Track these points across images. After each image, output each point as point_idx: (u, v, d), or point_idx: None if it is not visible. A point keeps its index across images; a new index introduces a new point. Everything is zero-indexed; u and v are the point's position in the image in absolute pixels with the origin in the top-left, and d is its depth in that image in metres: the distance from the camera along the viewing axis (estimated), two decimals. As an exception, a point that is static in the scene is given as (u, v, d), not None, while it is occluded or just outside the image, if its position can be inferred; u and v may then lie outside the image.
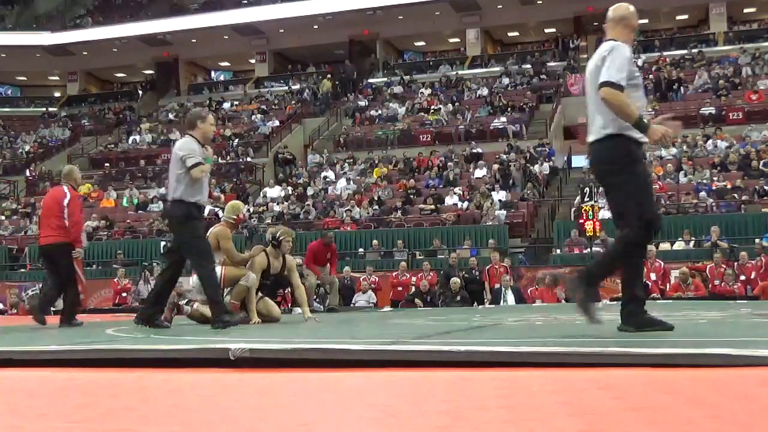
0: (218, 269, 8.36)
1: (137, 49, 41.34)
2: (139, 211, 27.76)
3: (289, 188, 27.53)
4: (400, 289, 18.44)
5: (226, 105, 37.87)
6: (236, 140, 32.67)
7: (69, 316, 9.63)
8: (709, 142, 25.20)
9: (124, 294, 20.08)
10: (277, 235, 9.35)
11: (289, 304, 14.79)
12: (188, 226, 7.48)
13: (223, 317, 7.43)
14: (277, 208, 25.78)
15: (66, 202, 9.58)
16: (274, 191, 27.39)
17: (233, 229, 9.62)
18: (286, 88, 38.65)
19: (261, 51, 41.88)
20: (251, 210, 26.07)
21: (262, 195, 27.62)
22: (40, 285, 19.24)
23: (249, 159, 31.16)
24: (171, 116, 37.71)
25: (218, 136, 33.66)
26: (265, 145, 32.48)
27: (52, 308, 11.01)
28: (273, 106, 36.53)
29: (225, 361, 4.09)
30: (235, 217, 9.53)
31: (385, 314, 12.81)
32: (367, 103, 34.67)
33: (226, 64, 45.45)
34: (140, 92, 44.38)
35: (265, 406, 2.88)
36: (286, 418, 2.60)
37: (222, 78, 45.31)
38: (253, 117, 35.18)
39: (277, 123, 34.08)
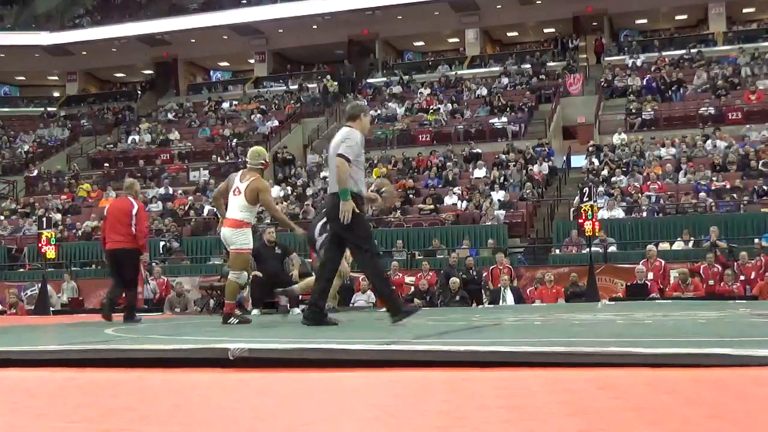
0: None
1: (136, 49, 41.32)
2: (138, 211, 27.75)
3: (289, 188, 27.53)
4: (394, 288, 18.41)
5: (225, 105, 37.85)
6: (235, 140, 32.66)
7: (131, 314, 10.76)
8: (709, 142, 25.22)
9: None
10: (381, 190, 8.99)
11: (288, 305, 14.77)
12: (354, 219, 7.41)
13: (399, 309, 7.49)
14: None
15: (134, 211, 10.66)
16: (274, 191, 27.30)
17: (262, 175, 9.27)
18: (285, 88, 38.64)
19: (260, 51, 41.88)
20: (250, 210, 26.04)
21: (261, 195, 27.60)
22: (39, 284, 19.25)
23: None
24: (170, 116, 37.70)
25: (217, 135, 33.71)
26: (264, 145, 32.40)
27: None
28: (272, 106, 36.53)
29: (224, 361, 4.10)
30: (263, 161, 9.29)
31: (384, 314, 12.81)
32: (366, 103, 34.64)
33: (225, 64, 45.45)
34: (139, 92, 44.33)
35: (265, 406, 2.88)
36: (286, 418, 2.60)
37: (221, 78, 45.30)
38: (252, 117, 35.16)
39: (276, 123, 34.07)
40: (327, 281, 7.81)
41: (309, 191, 26.81)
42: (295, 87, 38.21)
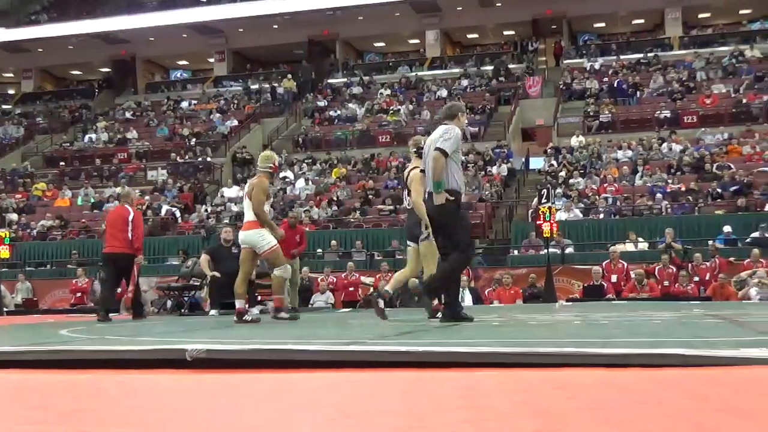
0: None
1: (93, 46, 40.84)
2: (95, 211, 27.42)
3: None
4: (351, 289, 18.42)
5: (184, 104, 37.54)
6: (194, 140, 32.42)
7: (139, 310, 12.08)
8: (664, 145, 25.55)
9: (78, 294, 19.79)
10: (421, 143, 8.77)
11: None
12: (458, 214, 7.56)
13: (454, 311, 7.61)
14: (235, 208, 25.61)
15: (131, 218, 11.63)
16: (232, 191, 27.21)
17: (270, 179, 9.60)
18: (245, 87, 38.43)
19: (220, 50, 41.63)
20: (209, 210, 25.90)
21: (219, 195, 27.44)
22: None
23: (208, 158, 30.94)
24: (128, 115, 37.32)
25: (176, 135, 33.43)
26: (224, 145, 32.26)
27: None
28: (231, 106, 36.32)
29: (182, 362, 4.07)
30: (272, 165, 9.54)
31: (343, 315, 12.81)
32: (326, 104, 34.63)
33: (185, 62, 45.10)
34: (96, 90, 43.79)
35: (222, 407, 2.87)
36: (243, 419, 2.59)
37: (180, 77, 44.94)
38: (212, 116, 34.93)
39: (235, 123, 33.88)
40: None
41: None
42: (255, 87, 38.03)
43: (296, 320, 9.28)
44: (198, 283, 15.82)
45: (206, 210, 25.99)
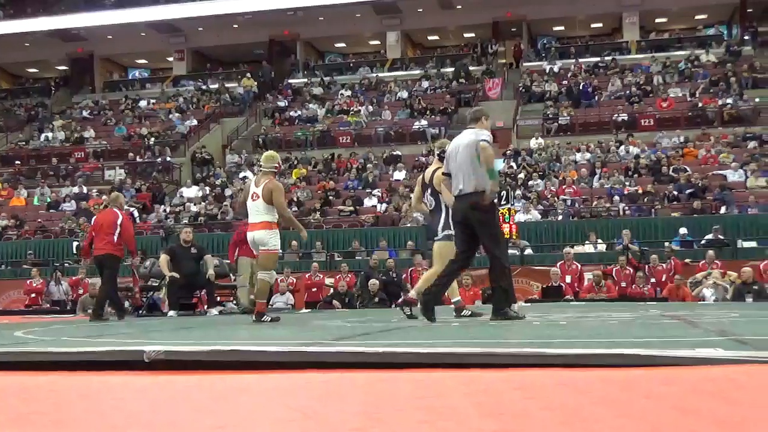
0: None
1: (50, 44, 40.29)
2: (51, 210, 27.09)
3: (207, 188, 27.21)
4: (314, 290, 18.38)
5: (143, 103, 37.20)
6: (153, 139, 32.13)
7: (99, 312, 12.04)
8: (622, 147, 25.85)
9: (33, 295, 19.49)
10: (446, 146, 8.72)
11: (205, 306, 14.61)
12: (494, 214, 7.87)
13: (505, 308, 7.74)
14: (194, 208, 25.46)
15: (119, 222, 12.00)
16: (191, 191, 27.04)
17: (275, 178, 9.56)
18: (205, 87, 38.16)
19: (179, 49, 41.31)
20: (167, 210, 25.69)
21: (178, 195, 27.24)
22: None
23: (167, 158, 30.68)
24: (85, 114, 36.90)
25: (134, 134, 33.10)
26: (183, 145, 32.03)
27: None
28: (191, 106, 36.05)
29: (139, 364, 4.03)
30: (276, 165, 9.60)
31: (302, 316, 12.78)
32: (286, 104, 34.52)
33: (144, 61, 44.68)
34: (53, 89, 43.24)
35: (181, 409, 2.85)
36: (202, 421, 2.58)
37: (139, 76, 44.49)
38: (171, 116, 34.65)
39: (194, 122, 33.65)
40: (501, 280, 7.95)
41: (228, 191, 26.54)
42: (215, 86, 37.79)
43: (278, 321, 9.28)
44: (156, 284, 15.69)
45: (165, 210, 25.78)
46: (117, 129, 34.24)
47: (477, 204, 7.61)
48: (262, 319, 9.12)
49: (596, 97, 30.32)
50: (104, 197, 27.08)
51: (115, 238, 11.93)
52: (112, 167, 30.33)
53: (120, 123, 34.91)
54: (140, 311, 14.99)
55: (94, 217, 13.54)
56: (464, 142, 7.81)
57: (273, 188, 9.17)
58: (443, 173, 8.27)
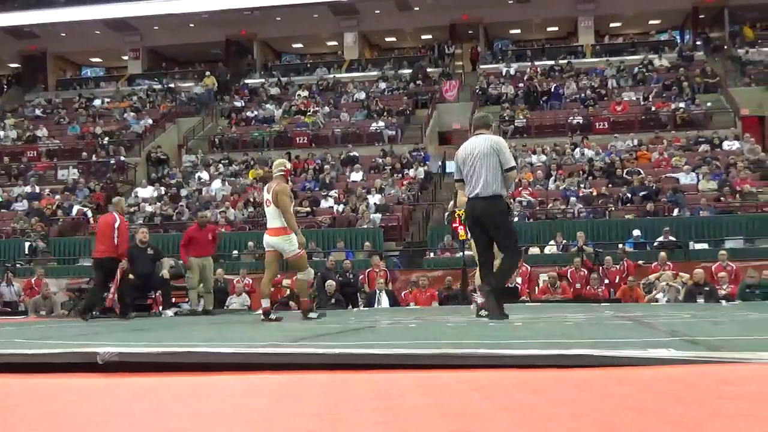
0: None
1: (2, 41, 39.64)
2: (2, 210, 26.63)
3: (162, 188, 26.96)
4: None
5: (97, 102, 36.74)
6: (107, 138, 31.75)
7: (86, 310, 12.56)
8: (577, 150, 26.11)
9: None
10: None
11: (160, 307, 14.48)
12: (509, 218, 8.38)
13: (502, 311, 8.02)
14: (149, 208, 25.20)
15: (117, 225, 12.45)
16: (147, 191, 26.77)
17: (285, 182, 9.92)
18: (161, 86, 37.80)
19: (134, 48, 40.89)
20: (122, 210, 25.38)
21: (133, 195, 26.95)
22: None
23: (121, 158, 30.33)
24: (38, 112, 36.35)
25: (88, 133, 32.68)
26: (138, 144, 31.71)
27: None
28: (146, 105, 35.70)
29: (93, 366, 3.98)
30: (284, 169, 9.97)
31: (259, 317, 12.71)
32: (243, 104, 34.34)
33: (98, 59, 44.13)
34: (5, 86, 42.51)
35: (136, 411, 2.82)
36: (157, 423, 2.56)
37: (93, 74, 43.93)
38: (126, 115, 34.27)
39: (150, 122, 33.32)
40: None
41: (183, 192, 26.32)
42: (171, 85, 37.45)
43: (324, 317, 9.58)
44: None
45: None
46: (70, 128, 33.78)
47: (496, 207, 8.04)
48: (309, 316, 9.57)
49: (564, 98, 30.60)
50: (57, 197, 26.75)
51: (115, 240, 12.44)
52: (65, 167, 29.91)
53: (73, 122, 34.44)
54: (94, 312, 14.78)
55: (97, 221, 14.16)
56: (481, 147, 8.12)
57: (278, 191, 9.55)
58: (456, 180, 8.68)
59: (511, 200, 8.36)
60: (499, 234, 8.12)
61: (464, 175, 8.25)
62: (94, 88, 39.63)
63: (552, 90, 30.92)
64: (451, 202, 19.71)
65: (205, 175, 27.74)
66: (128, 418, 2.67)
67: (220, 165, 28.52)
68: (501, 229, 8.12)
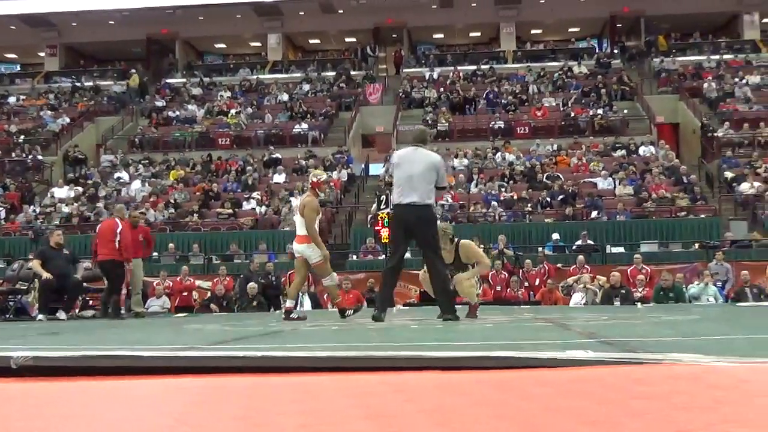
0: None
1: None
2: None
3: (80, 189, 26.37)
4: (185, 294, 18.08)
5: (12, 99, 35.76)
6: (22, 137, 30.92)
7: (117, 312, 13.31)
8: (498, 154, 26.44)
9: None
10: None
11: (77, 310, 14.18)
12: (436, 226, 8.79)
13: (454, 312, 8.54)
14: (66, 209, 24.62)
15: (119, 230, 13.17)
16: (63, 191, 26.15)
17: (315, 196, 10.22)
18: (79, 84, 36.97)
19: (51, 44, 39.93)
20: (37, 211, 24.78)
21: (49, 195, 26.31)
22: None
23: (38, 157, 29.57)
24: (-52, 109, 35.23)
25: (2, 131, 31.79)
26: (54, 143, 30.96)
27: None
28: (63, 103, 34.88)
29: (6, 370, 3.87)
30: (314, 180, 10.33)
31: (178, 320, 12.56)
32: (164, 104, 33.84)
33: (13, 56, 42.98)
34: None
35: (51, 417, 2.75)
36: (73, 429, 2.50)
37: (7, 70, 42.72)
38: (42, 113, 33.42)
39: (67, 120, 32.56)
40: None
41: (102, 192, 25.80)
42: (89, 84, 36.67)
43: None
44: (25, 287, 15.10)
45: (34, 210, 24.84)
46: (-17, 126, 32.82)
47: (428, 216, 8.55)
48: (346, 315, 10.07)
49: (474, 104, 30.93)
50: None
51: (116, 244, 13.07)
52: (-22, 165, 29.06)
53: (-14, 119, 33.46)
54: (8, 315, 14.40)
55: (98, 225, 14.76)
56: (424, 165, 8.46)
57: (305, 203, 10.00)
58: (389, 175, 9.26)
59: (434, 204, 8.60)
60: (428, 241, 8.57)
61: (397, 179, 8.60)
62: (8, 85, 38.57)
63: (485, 95, 31.24)
64: (374, 205, 19.79)
65: (124, 176, 27.25)
66: (42, 424, 2.60)
67: (140, 165, 28.06)
68: (429, 237, 8.57)
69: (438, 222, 9.68)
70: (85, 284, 14.57)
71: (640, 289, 16.30)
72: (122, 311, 13.81)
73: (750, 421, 2.13)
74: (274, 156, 27.69)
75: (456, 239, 9.72)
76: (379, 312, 8.37)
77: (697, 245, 20.02)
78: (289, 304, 10.34)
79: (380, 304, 8.67)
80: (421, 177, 8.41)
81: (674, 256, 19.47)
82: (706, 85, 30.64)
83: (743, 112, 28.01)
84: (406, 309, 14.71)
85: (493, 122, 29.11)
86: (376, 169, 28.38)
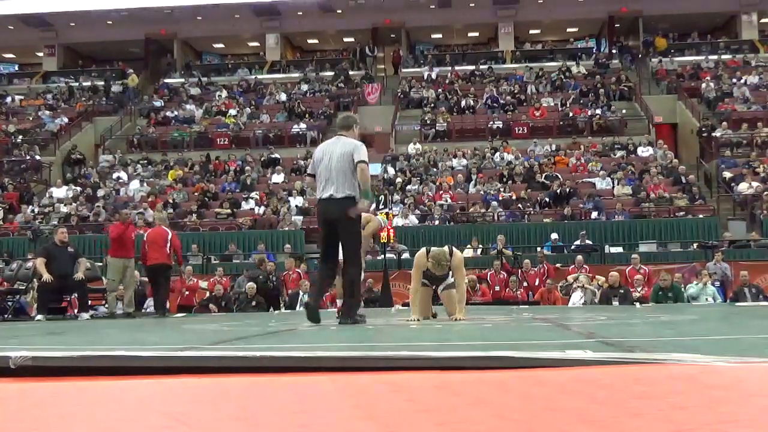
0: None
1: None
2: None
3: (78, 189, 26.36)
4: (187, 293, 18.08)
5: (10, 99, 35.72)
6: (21, 137, 30.90)
7: (163, 310, 14.54)
8: (497, 154, 26.44)
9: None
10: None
11: (75, 310, 14.17)
12: (358, 221, 8.20)
13: (356, 314, 8.03)
14: (64, 209, 24.61)
15: (169, 237, 14.54)
16: (62, 191, 26.14)
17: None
18: (77, 84, 36.94)
19: (50, 44, 39.89)
20: (36, 211, 24.76)
21: (48, 195, 26.29)
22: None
23: (36, 157, 29.54)
24: (-55, 108, 35.20)
25: (1, 131, 31.77)
26: (53, 144, 30.94)
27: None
28: (62, 103, 34.85)
29: (5, 370, 3.87)
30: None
31: (178, 320, 12.54)
32: (162, 104, 33.82)
33: (11, 56, 42.93)
34: None
35: (49, 417, 2.75)
36: (72, 429, 2.50)
37: (6, 70, 42.67)
38: (40, 113, 33.40)
39: (66, 120, 32.54)
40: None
41: (100, 192, 25.78)
42: (88, 84, 36.64)
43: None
44: (23, 287, 15.10)
45: (33, 210, 24.82)
46: (-19, 126, 32.79)
47: (348, 210, 7.86)
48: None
49: (472, 104, 30.91)
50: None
51: (168, 250, 14.35)
52: (-24, 165, 29.03)
53: (-15, 119, 33.43)
54: (6, 315, 14.40)
55: (146, 232, 15.49)
56: (339, 151, 7.96)
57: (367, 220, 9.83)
58: (308, 174, 8.62)
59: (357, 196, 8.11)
60: (347, 236, 8.03)
61: (318, 174, 8.08)
62: (7, 85, 38.55)
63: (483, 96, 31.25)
64: (373, 206, 19.78)
65: (123, 176, 27.23)
66: (41, 424, 2.60)
67: (139, 165, 28.04)
68: (349, 231, 8.02)
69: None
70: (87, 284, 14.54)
71: (638, 289, 16.32)
72: (118, 311, 14.08)
73: (748, 421, 2.13)
74: (272, 156, 27.69)
75: (452, 252, 9.13)
76: (310, 315, 7.88)
77: (695, 245, 20.04)
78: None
79: (310, 310, 8.00)
80: (338, 167, 7.87)
81: (673, 256, 19.49)
82: (704, 85, 30.65)
83: (741, 112, 28.02)
84: (405, 309, 14.69)
85: (491, 122, 29.11)
86: (375, 169, 28.34)
